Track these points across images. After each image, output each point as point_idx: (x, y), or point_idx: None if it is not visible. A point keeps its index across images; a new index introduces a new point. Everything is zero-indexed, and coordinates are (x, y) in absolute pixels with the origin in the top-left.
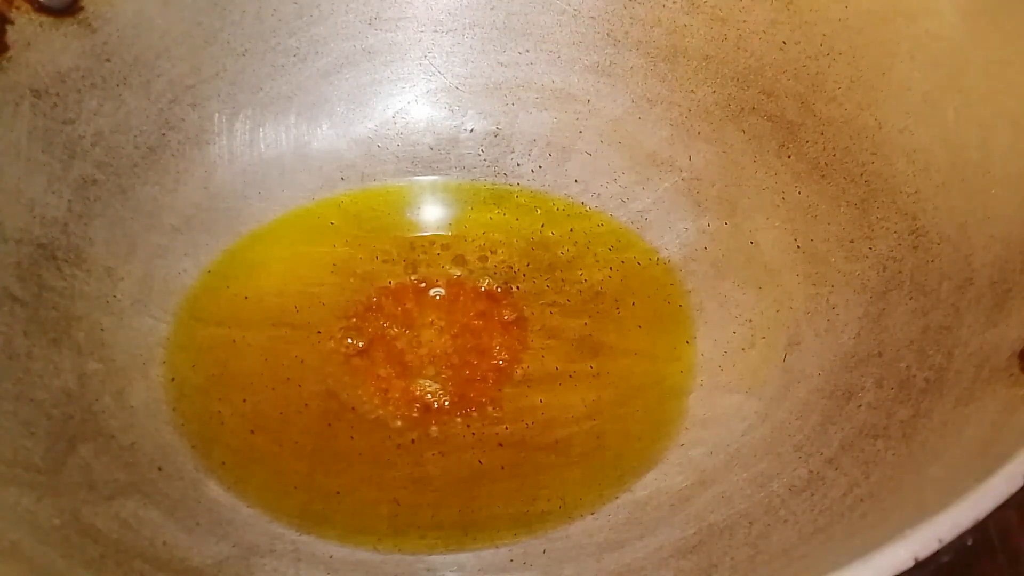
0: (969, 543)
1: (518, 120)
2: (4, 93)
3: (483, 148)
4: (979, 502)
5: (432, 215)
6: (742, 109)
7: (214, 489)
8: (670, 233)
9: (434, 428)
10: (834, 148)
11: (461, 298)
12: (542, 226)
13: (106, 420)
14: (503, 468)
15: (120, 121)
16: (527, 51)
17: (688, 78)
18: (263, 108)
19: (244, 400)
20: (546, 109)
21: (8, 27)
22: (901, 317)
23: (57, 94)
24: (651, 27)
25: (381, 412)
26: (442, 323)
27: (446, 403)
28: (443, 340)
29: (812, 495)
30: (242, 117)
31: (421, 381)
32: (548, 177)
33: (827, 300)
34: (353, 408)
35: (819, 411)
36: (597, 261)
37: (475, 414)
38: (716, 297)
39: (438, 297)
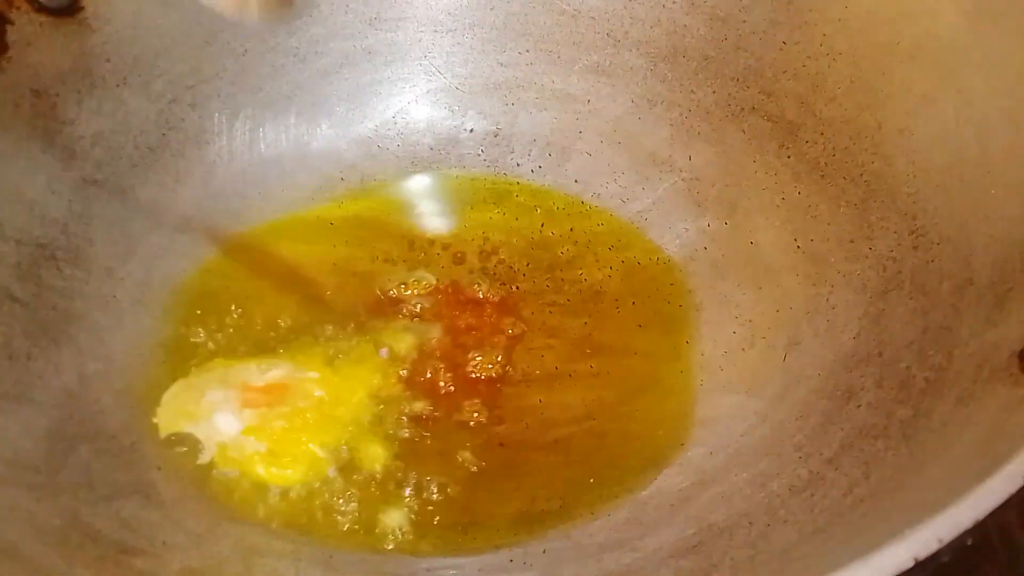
0: (969, 543)
1: (518, 120)
2: (4, 93)
3: (483, 148)
4: (979, 502)
5: (432, 215)
6: (742, 109)
7: (214, 489)
8: (670, 233)
9: (434, 428)
10: (834, 148)
11: (461, 298)
12: (542, 226)
13: (106, 420)
14: (503, 468)
15: (120, 121)
16: (527, 51)
17: (688, 78)
18: (263, 108)
19: None
20: (546, 109)
21: (8, 27)
22: (901, 317)
23: (57, 94)
24: (651, 27)
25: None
26: (442, 323)
27: (446, 403)
28: (443, 340)
29: (812, 495)
30: (242, 117)
31: (420, 381)
32: (548, 177)
33: (827, 300)
34: None
35: (819, 411)
36: (597, 261)
37: (475, 414)
38: (716, 297)
39: (437, 297)
